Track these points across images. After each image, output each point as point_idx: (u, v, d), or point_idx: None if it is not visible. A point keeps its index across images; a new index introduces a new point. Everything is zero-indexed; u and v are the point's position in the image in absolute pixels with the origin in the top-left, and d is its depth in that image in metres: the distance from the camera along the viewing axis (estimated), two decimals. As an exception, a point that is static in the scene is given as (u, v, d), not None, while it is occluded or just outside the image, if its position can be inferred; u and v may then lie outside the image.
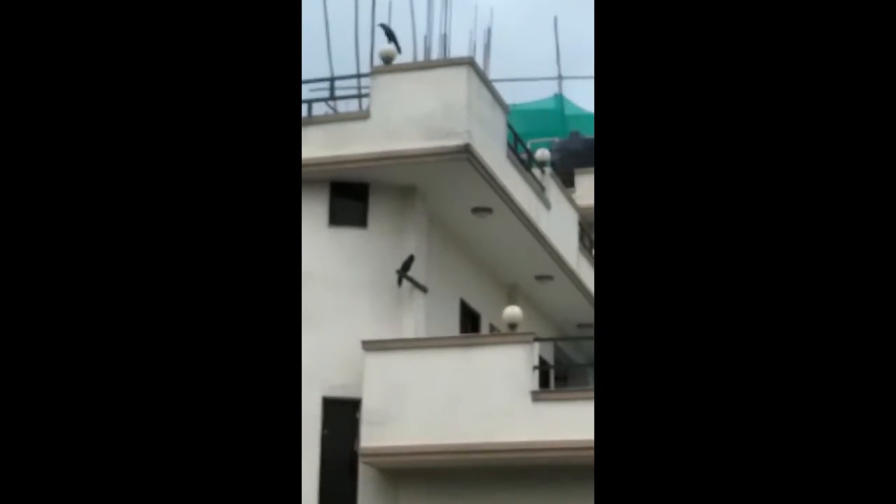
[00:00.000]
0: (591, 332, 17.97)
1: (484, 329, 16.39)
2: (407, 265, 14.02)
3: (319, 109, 15.13)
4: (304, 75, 14.53)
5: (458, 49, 21.09)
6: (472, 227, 15.41)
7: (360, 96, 15.23)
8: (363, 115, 14.36)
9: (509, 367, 13.14)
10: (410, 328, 14.01)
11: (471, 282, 16.34)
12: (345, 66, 22.58)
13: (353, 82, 16.27)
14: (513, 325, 13.90)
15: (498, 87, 15.44)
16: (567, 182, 19.67)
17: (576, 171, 21.50)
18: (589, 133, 23.06)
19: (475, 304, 16.34)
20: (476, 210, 14.96)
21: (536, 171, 16.86)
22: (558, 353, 19.22)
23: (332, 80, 15.99)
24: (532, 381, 13.11)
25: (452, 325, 15.63)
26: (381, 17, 17.86)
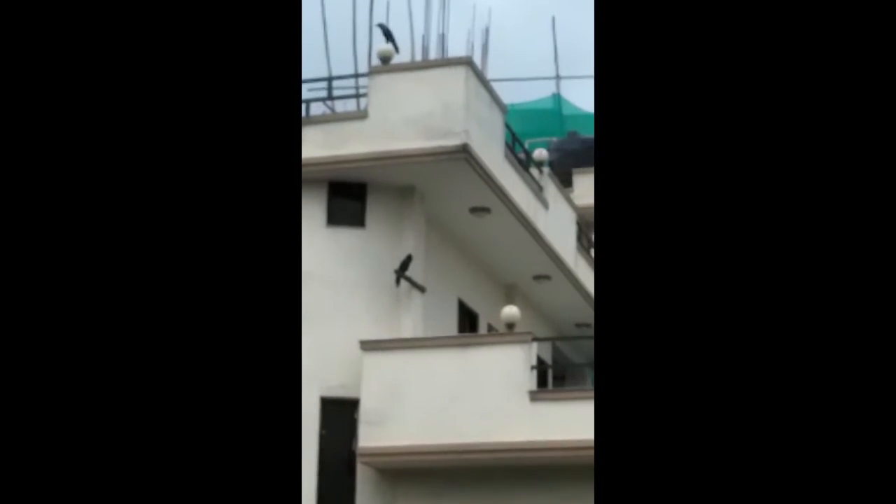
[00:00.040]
0: (589, 331, 18.02)
1: (482, 329, 16.39)
2: (405, 265, 14.02)
3: (317, 109, 15.13)
4: (303, 75, 14.52)
5: (455, 49, 21.09)
6: (470, 226, 15.41)
7: (357, 96, 15.23)
8: (361, 115, 14.36)
9: (507, 366, 13.14)
10: (408, 328, 14.01)
11: (469, 281, 16.34)
12: (343, 66, 22.55)
13: (351, 82, 16.28)
14: (511, 325, 13.90)
15: (496, 86, 15.44)
16: (565, 182, 19.67)
17: (574, 170, 21.50)
18: (587, 133, 23.07)
19: (473, 304, 16.33)
20: (474, 210, 14.96)
21: (534, 171, 16.86)
22: (556, 352, 19.22)
23: (329, 79, 15.99)
24: (530, 380, 13.12)
25: (450, 325, 15.62)
26: (379, 17, 17.90)
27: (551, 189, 17.20)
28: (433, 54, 19.21)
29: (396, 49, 14.92)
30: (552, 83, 27.15)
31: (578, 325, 19.15)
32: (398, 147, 13.93)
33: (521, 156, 16.68)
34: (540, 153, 17.48)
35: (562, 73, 27.10)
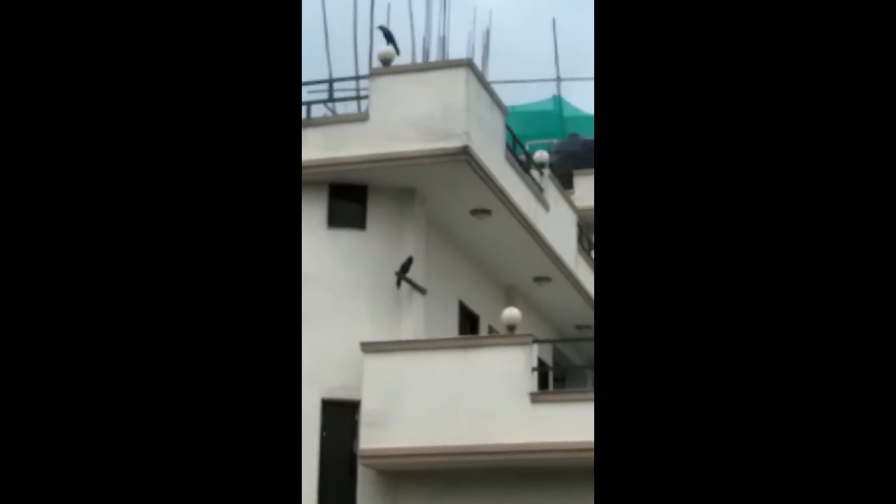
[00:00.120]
0: (589, 333, 18.01)
1: (482, 331, 16.40)
2: (406, 267, 14.02)
3: (318, 111, 15.14)
4: (303, 77, 14.53)
5: (456, 51, 21.09)
6: (471, 228, 15.41)
7: (358, 98, 15.23)
8: (362, 117, 14.37)
9: (508, 368, 13.14)
10: (409, 330, 14.02)
11: (469, 283, 16.35)
12: (343, 68, 22.62)
13: (352, 84, 16.28)
14: (511, 327, 13.90)
15: (496, 88, 15.45)
16: (565, 183, 19.68)
17: (574, 172, 21.50)
18: (587, 135, 23.07)
19: (474, 306, 16.34)
20: (475, 212, 14.97)
21: (535, 173, 16.87)
22: (557, 354, 19.22)
23: (330, 81, 15.99)
24: (531, 382, 13.12)
25: (451, 327, 15.63)
26: (380, 19, 17.90)
27: (552, 191, 17.21)
28: (434, 56, 19.23)
29: (397, 51, 14.93)
30: (553, 85, 27.18)
31: (579, 327, 19.15)
32: (399, 149, 13.94)
33: (522, 157, 16.68)
34: (540, 155, 17.49)
35: (562, 75, 27.12)
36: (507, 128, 15.50)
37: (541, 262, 16.77)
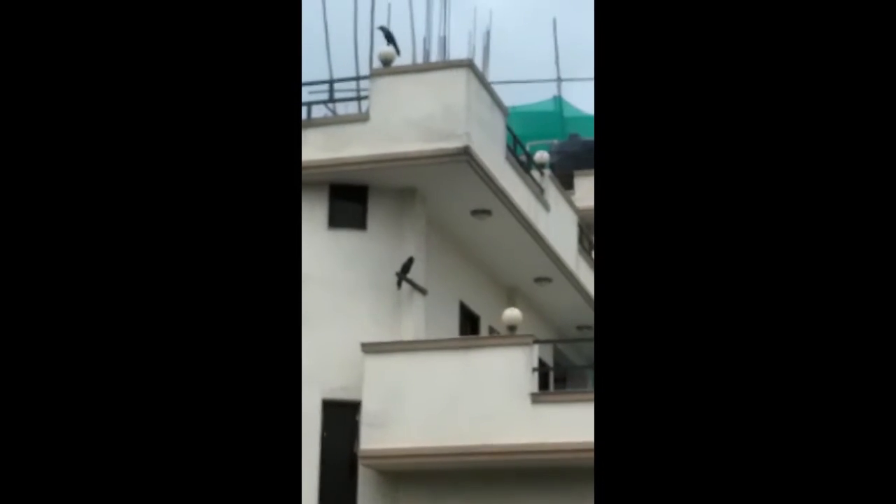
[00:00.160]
0: (590, 334, 18.00)
1: (483, 331, 16.39)
2: (406, 267, 14.02)
3: (318, 112, 15.13)
4: (304, 77, 14.53)
5: (457, 51, 21.10)
6: (472, 229, 15.42)
7: (359, 98, 15.24)
8: (362, 118, 14.37)
9: (508, 369, 13.14)
10: (410, 330, 14.02)
11: (470, 284, 16.35)
12: (344, 69, 22.60)
13: (353, 84, 16.27)
14: (512, 327, 13.90)
15: (497, 89, 15.45)
16: (566, 184, 19.67)
17: (575, 173, 21.50)
18: (588, 135, 23.06)
19: (474, 307, 16.34)
20: (475, 212, 14.97)
21: (535, 173, 16.87)
22: (557, 354, 19.22)
23: (331, 82, 15.98)
24: (531, 383, 13.12)
25: (452, 328, 15.63)
26: (380, 20, 17.89)
27: (552, 191, 17.21)
28: (434, 57, 19.22)
29: (398, 51, 14.93)
30: (553, 85, 27.18)
31: (580, 328, 19.15)
32: (399, 149, 13.94)
33: (523, 158, 16.68)
34: (541, 155, 17.48)
35: (563, 76, 27.13)
36: (508, 128, 15.50)
37: (541, 262, 16.77)
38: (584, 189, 20.32)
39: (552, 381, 17.79)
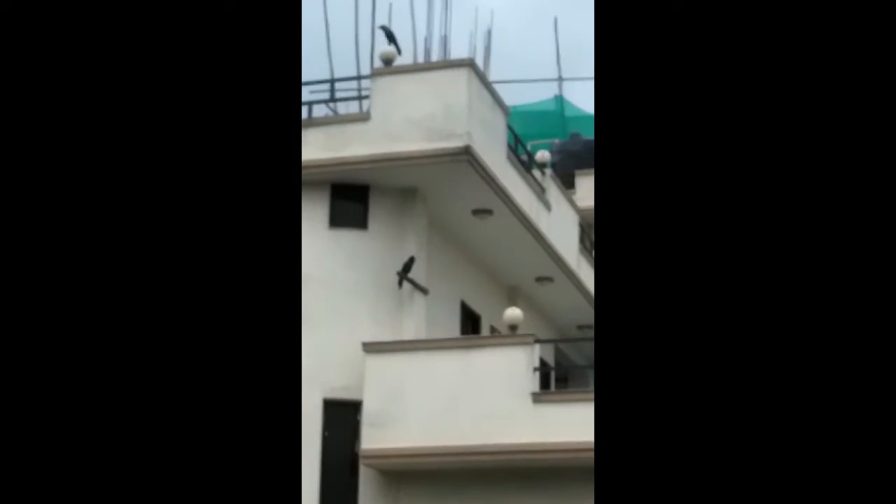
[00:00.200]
0: (591, 333, 17.99)
1: (484, 331, 16.40)
2: (407, 267, 14.02)
3: (319, 111, 15.14)
4: (304, 77, 14.54)
5: (458, 51, 21.12)
6: (473, 228, 15.42)
7: (360, 98, 15.24)
8: (363, 117, 14.37)
9: (510, 368, 13.14)
10: (411, 330, 14.02)
11: (471, 283, 16.35)
12: (345, 68, 22.61)
13: (354, 84, 16.27)
14: (513, 327, 13.91)
15: (498, 88, 15.46)
16: (567, 183, 19.67)
17: (576, 172, 21.51)
18: (589, 135, 23.06)
19: (475, 306, 16.34)
20: (476, 212, 14.97)
21: (536, 173, 16.87)
22: (559, 354, 19.23)
23: (332, 81, 15.99)
24: (532, 382, 13.12)
25: (453, 327, 15.63)
26: (382, 19, 17.88)
27: (553, 191, 17.20)
28: (435, 56, 19.22)
29: (399, 51, 14.94)
30: (554, 85, 27.16)
31: (581, 327, 19.15)
32: (400, 149, 13.94)
33: (524, 157, 16.69)
34: (542, 155, 17.48)
35: (564, 75, 27.11)
36: (509, 128, 15.49)
37: (542, 262, 16.77)
38: (586, 188, 20.32)
39: (553, 381, 17.79)
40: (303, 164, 12.98)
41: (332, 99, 15.56)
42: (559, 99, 26.81)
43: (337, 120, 14.76)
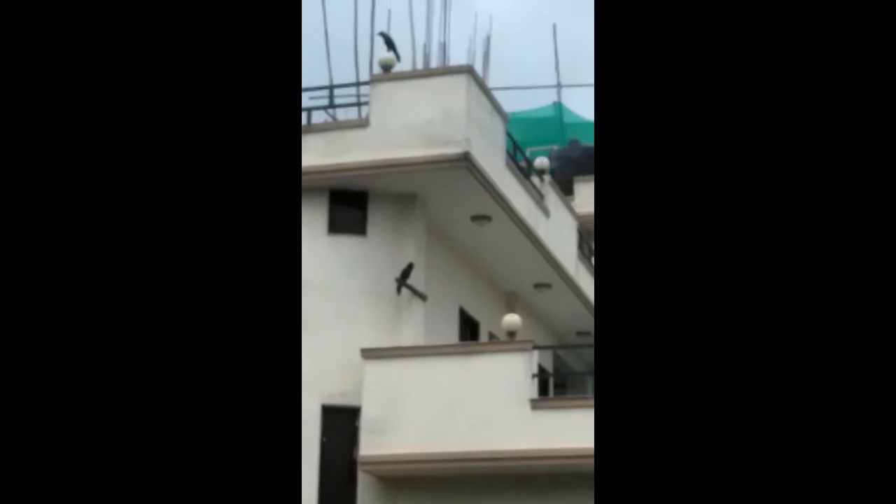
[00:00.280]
0: (590, 339, 18.00)
1: (483, 337, 16.39)
2: (406, 273, 14.02)
3: (318, 117, 15.16)
4: (304, 83, 14.53)
5: (457, 57, 21.13)
6: (471, 234, 15.42)
7: (359, 104, 15.25)
8: (362, 124, 14.37)
9: (508, 375, 13.14)
10: (409, 336, 14.01)
11: (470, 290, 16.34)
12: (344, 75, 22.54)
13: (353, 90, 16.28)
14: (512, 333, 13.90)
15: (497, 95, 15.45)
16: (566, 190, 19.68)
17: (575, 179, 21.50)
18: (588, 141, 23.07)
19: (474, 312, 16.33)
20: (475, 218, 14.97)
21: (535, 179, 16.87)
22: (557, 360, 19.21)
23: (331, 88, 16.00)
24: (531, 389, 13.11)
25: (451, 333, 15.62)
26: (381, 26, 17.88)
27: (552, 197, 17.21)
28: (434, 62, 19.23)
29: (398, 57, 14.94)
30: (553, 91, 27.18)
31: (579, 334, 19.15)
32: (399, 155, 13.94)
33: (523, 164, 16.68)
34: (541, 161, 17.48)
35: (563, 82, 27.14)
36: (508, 134, 15.50)
37: (541, 268, 16.77)
38: (584, 195, 20.32)
39: (552, 387, 17.78)
40: (302, 170, 12.98)
41: (332, 105, 15.56)
42: (558, 105, 26.81)
43: (336, 126, 14.76)
